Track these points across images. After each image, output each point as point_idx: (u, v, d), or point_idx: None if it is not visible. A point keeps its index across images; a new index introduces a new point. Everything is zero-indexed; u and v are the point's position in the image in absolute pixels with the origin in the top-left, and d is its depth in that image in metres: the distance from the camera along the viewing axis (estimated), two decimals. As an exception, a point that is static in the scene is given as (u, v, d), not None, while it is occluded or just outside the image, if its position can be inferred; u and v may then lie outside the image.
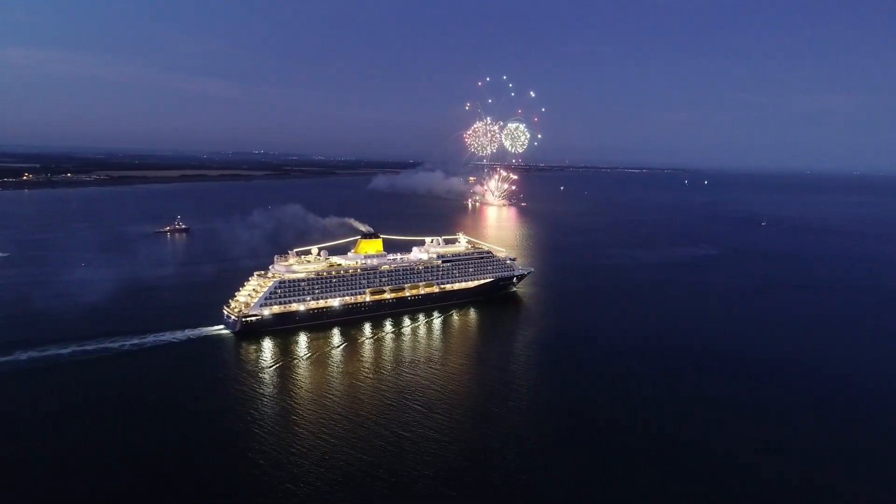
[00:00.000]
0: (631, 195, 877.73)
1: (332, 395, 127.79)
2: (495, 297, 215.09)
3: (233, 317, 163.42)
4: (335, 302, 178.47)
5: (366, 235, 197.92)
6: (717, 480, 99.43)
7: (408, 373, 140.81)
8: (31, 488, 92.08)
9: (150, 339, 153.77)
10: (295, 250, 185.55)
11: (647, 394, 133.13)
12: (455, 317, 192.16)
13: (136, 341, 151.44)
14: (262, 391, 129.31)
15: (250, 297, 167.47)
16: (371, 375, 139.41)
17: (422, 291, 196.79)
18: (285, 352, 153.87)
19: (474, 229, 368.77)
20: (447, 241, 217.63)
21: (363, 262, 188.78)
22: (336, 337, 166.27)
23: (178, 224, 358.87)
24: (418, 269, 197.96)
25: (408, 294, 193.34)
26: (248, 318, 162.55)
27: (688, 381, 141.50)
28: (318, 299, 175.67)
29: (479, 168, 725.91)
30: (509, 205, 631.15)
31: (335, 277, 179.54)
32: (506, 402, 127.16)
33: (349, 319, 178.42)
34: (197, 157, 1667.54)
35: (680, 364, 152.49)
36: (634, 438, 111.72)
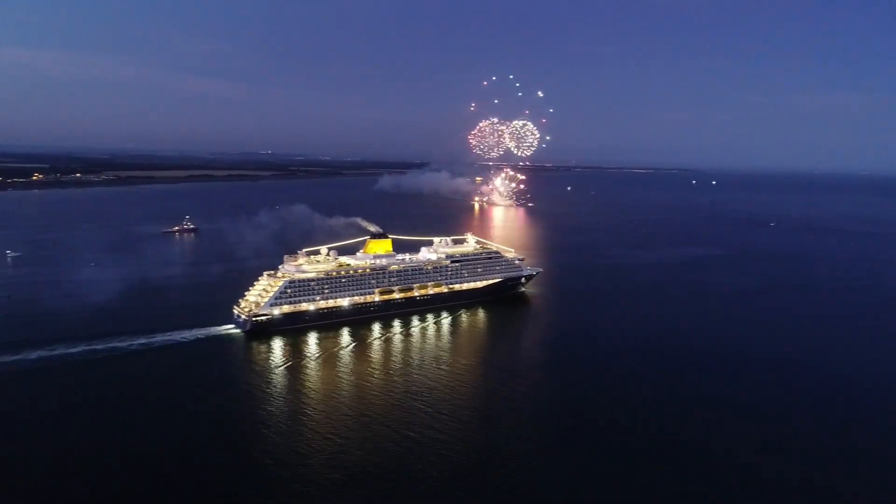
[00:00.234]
0: (637, 195, 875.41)
1: (341, 395, 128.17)
2: (504, 298, 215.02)
3: (243, 316, 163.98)
4: (344, 302, 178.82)
5: (375, 235, 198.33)
6: (719, 480, 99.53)
7: (416, 373, 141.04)
8: (40, 486, 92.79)
9: (160, 338, 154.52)
10: (304, 250, 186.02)
11: (650, 394, 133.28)
12: (464, 317, 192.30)
13: (144, 341, 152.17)
14: (271, 391, 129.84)
15: (260, 296, 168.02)
16: (379, 375, 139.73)
17: (430, 291, 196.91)
18: (295, 351, 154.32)
19: (481, 230, 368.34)
20: (456, 242, 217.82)
21: (372, 262, 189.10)
22: (345, 337, 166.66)
23: (187, 224, 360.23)
24: (427, 269, 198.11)
25: (417, 294, 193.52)
26: (258, 318, 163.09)
27: (689, 381, 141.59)
28: (327, 299, 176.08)
29: (486, 168, 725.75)
30: (516, 205, 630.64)
31: (344, 277, 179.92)
32: (511, 403, 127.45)
33: (358, 319, 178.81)
34: (203, 157, 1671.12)
35: (682, 364, 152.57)
36: (636, 438, 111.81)
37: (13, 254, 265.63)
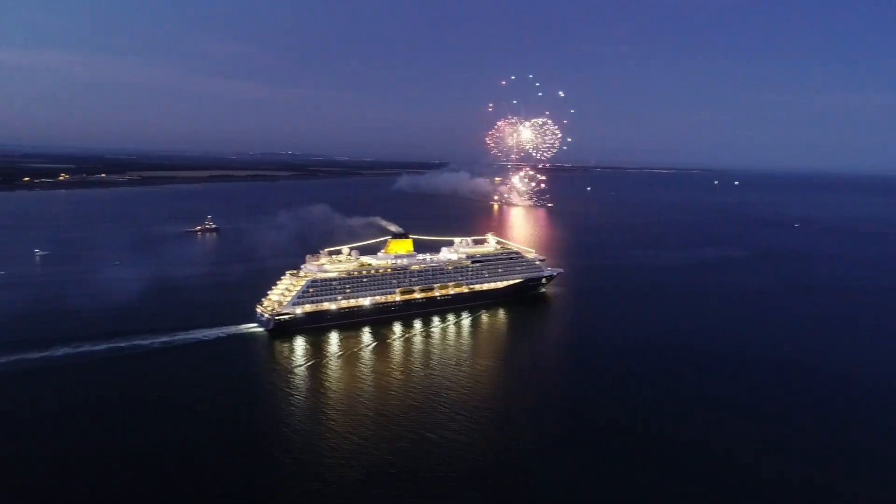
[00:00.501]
0: (657, 196, 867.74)
1: (360, 394, 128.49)
2: (525, 298, 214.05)
3: (266, 315, 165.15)
4: (366, 301, 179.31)
5: (396, 235, 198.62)
6: (727, 483, 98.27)
7: (435, 373, 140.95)
8: (72, 480, 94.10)
9: (185, 336, 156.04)
10: (326, 250, 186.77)
11: (667, 395, 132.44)
12: (484, 317, 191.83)
13: (167, 339, 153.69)
14: (292, 389, 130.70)
15: (283, 295, 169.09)
16: (399, 375, 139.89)
17: (451, 291, 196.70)
18: (317, 350, 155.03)
19: (500, 230, 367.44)
20: (476, 242, 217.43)
21: (393, 262, 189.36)
22: (366, 336, 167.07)
23: (208, 224, 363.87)
24: (448, 269, 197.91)
25: (437, 294, 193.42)
26: (280, 317, 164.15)
27: (711, 383, 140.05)
28: (349, 298, 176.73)
29: (505, 168, 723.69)
30: (535, 205, 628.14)
31: (366, 277, 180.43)
32: (530, 404, 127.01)
33: (379, 319, 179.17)
34: (225, 157, 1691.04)
35: (703, 365, 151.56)
36: (659, 440, 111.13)
37: (41, 252, 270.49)
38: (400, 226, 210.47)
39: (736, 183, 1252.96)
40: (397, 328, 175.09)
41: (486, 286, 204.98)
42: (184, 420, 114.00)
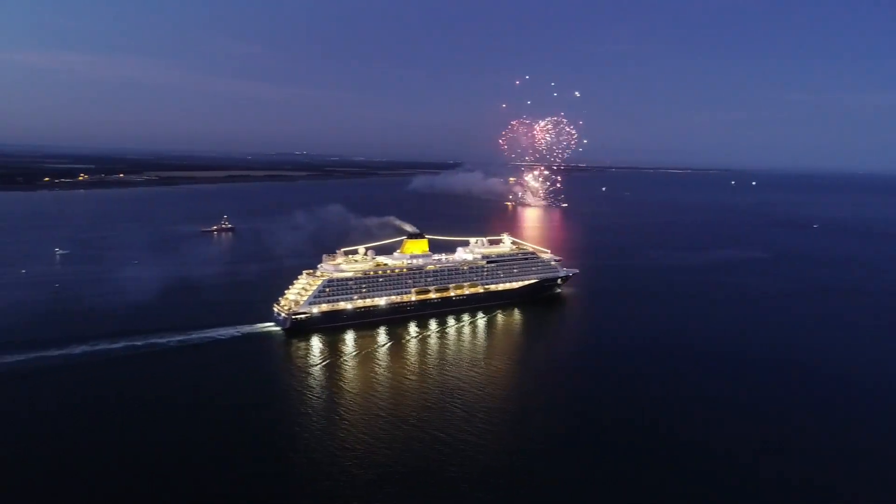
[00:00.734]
0: (673, 196, 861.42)
1: (375, 394, 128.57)
2: (540, 299, 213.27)
3: (283, 314, 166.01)
4: (381, 301, 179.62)
5: (411, 235, 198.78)
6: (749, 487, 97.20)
7: (450, 374, 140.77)
8: (93, 477, 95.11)
9: (200, 335, 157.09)
10: (342, 250, 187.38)
11: (677, 396, 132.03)
12: (499, 317, 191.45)
13: (182, 337, 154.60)
14: (308, 388, 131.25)
15: (300, 295, 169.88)
16: (414, 375, 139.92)
17: (466, 292, 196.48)
18: (332, 349, 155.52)
19: (515, 230, 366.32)
20: (492, 242, 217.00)
21: (409, 261, 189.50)
22: (382, 336, 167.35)
23: (224, 224, 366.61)
24: (463, 269, 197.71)
25: (452, 294, 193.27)
26: (297, 316, 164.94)
27: (717, 385, 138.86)
28: (364, 298, 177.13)
29: (519, 168, 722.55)
30: (549, 206, 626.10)
31: (382, 277, 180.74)
32: (542, 405, 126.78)
33: (395, 318, 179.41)
34: (242, 158, 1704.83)
35: (716, 368, 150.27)
36: (670, 442, 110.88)
37: (61, 251, 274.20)
38: (415, 226, 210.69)
39: (754, 183, 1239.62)
40: (413, 328, 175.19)
41: (501, 286, 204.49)
42: (199, 418, 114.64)
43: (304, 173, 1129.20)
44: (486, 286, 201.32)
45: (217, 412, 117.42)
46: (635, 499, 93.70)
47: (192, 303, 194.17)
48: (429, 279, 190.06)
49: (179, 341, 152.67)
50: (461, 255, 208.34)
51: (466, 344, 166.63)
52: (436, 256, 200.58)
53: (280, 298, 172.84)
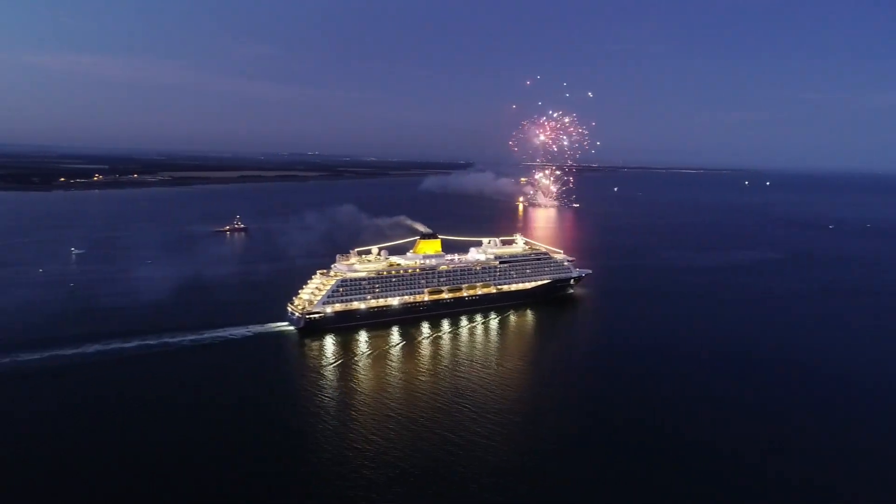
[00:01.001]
0: (685, 196, 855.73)
1: (387, 394, 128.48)
2: (553, 299, 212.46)
3: (297, 314, 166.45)
4: (394, 301, 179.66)
5: (425, 236, 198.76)
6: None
7: (462, 374, 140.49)
8: (108, 475, 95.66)
9: (213, 334, 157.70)
10: (356, 250, 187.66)
11: (687, 397, 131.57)
12: (512, 318, 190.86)
13: (195, 337, 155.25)
14: (320, 388, 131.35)
15: (313, 294, 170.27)
16: (426, 376, 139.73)
17: (479, 292, 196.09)
18: (346, 349, 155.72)
19: (527, 230, 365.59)
20: (504, 242, 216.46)
21: (422, 262, 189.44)
22: (395, 336, 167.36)
23: (237, 224, 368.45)
24: (476, 269, 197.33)
25: (465, 294, 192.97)
26: (311, 316, 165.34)
27: (726, 387, 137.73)
28: (378, 298, 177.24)
29: (530, 169, 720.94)
30: (561, 206, 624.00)
31: (395, 277, 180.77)
32: (553, 405, 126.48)
33: (408, 318, 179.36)
34: (254, 158, 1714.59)
35: (725, 370, 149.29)
36: (678, 442, 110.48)
37: (77, 251, 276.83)
38: (427, 226, 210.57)
39: (767, 183, 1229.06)
40: (425, 328, 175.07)
41: (513, 287, 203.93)
42: (212, 417, 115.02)
43: (315, 173, 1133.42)
44: (499, 286, 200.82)
45: (230, 411, 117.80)
46: (647, 499, 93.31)
47: (205, 302, 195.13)
48: (442, 279, 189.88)
49: (192, 340, 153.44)
50: (474, 255, 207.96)
51: (479, 344, 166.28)
52: (449, 257, 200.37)
53: (294, 298, 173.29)
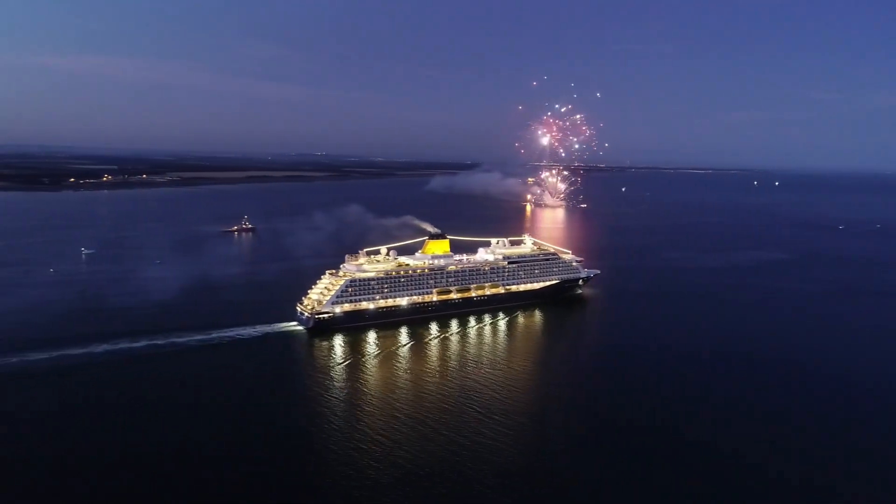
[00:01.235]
0: (695, 197, 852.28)
1: (395, 394, 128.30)
2: (561, 299, 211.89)
3: (306, 314, 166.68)
4: (403, 301, 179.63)
5: (433, 236, 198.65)
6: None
7: (470, 375, 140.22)
8: (117, 475, 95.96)
9: (221, 334, 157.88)
10: (365, 250, 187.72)
11: (693, 399, 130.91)
12: (520, 318, 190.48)
13: (203, 337, 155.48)
14: (328, 389, 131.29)
15: (322, 294, 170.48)
16: (434, 376, 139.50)
17: (487, 292, 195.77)
18: (354, 349, 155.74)
19: (534, 231, 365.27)
20: (513, 243, 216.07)
21: (431, 262, 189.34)
22: (403, 336, 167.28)
23: (245, 224, 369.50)
24: (484, 269, 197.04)
25: (474, 294, 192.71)
26: (320, 315, 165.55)
27: (731, 388, 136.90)
28: (386, 298, 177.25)
29: (537, 169, 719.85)
30: (568, 206, 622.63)
31: (403, 277, 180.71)
32: (559, 406, 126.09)
33: (416, 318, 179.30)
34: (262, 158, 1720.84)
35: (732, 370, 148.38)
36: (682, 443, 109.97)
37: (87, 251, 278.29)
38: (434, 226, 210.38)
39: (776, 184, 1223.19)
40: (434, 328, 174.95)
41: (522, 287, 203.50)
42: (219, 417, 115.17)
43: (323, 174, 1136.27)
44: (508, 287, 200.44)
45: (237, 411, 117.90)
46: (654, 499, 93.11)
47: (213, 302, 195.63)
48: (450, 279, 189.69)
49: (200, 340, 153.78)
50: (482, 255, 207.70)
51: (487, 344, 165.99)
52: (457, 257, 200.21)
53: (303, 298, 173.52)
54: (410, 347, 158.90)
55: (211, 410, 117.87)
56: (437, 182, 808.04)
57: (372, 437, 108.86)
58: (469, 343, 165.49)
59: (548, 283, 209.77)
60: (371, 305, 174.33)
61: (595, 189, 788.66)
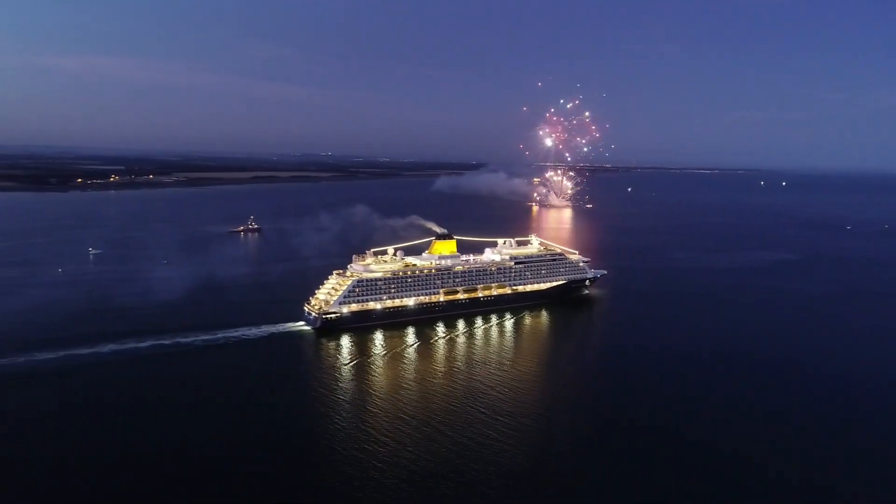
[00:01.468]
0: (702, 197, 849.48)
1: (402, 395, 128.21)
2: (568, 300, 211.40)
3: (313, 314, 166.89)
4: (410, 301, 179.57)
5: (440, 236, 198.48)
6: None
7: (477, 375, 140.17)
8: (122, 475, 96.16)
9: (227, 334, 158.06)
10: (372, 250, 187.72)
11: (696, 400, 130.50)
12: (527, 318, 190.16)
13: (209, 337, 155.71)
14: (335, 389, 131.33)
15: (330, 294, 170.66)
16: (441, 376, 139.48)
17: (494, 292, 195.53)
18: (361, 349, 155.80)
19: (540, 231, 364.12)
20: (520, 243, 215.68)
21: (437, 262, 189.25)
22: (410, 336, 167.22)
23: (251, 224, 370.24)
24: (491, 270, 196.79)
25: (480, 295, 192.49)
26: (328, 316, 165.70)
27: (734, 389, 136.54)
28: (394, 298, 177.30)
29: (543, 169, 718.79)
30: (574, 206, 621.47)
31: (410, 277, 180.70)
32: (565, 406, 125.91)
33: (423, 319, 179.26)
34: (268, 159, 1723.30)
35: (736, 371, 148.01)
36: (686, 444, 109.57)
37: (95, 251, 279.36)
38: (441, 226, 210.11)
39: (784, 184, 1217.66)
40: (441, 328, 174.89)
41: (529, 287, 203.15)
42: (224, 417, 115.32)
43: (329, 174, 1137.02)
44: (514, 287, 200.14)
45: (243, 411, 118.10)
46: (658, 499, 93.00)
47: (219, 302, 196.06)
48: (457, 280, 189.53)
49: (206, 340, 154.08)
50: (489, 255, 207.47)
51: (494, 345, 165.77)
52: (464, 257, 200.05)
53: (310, 298, 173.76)
54: (417, 348, 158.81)
55: (216, 411, 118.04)
56: (443, 182, 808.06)
57: (377, 437, 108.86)
58: (476, 343, 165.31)
59: (555, 284, 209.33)
60: (378, 305, 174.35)
61: (601, 189, 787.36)
